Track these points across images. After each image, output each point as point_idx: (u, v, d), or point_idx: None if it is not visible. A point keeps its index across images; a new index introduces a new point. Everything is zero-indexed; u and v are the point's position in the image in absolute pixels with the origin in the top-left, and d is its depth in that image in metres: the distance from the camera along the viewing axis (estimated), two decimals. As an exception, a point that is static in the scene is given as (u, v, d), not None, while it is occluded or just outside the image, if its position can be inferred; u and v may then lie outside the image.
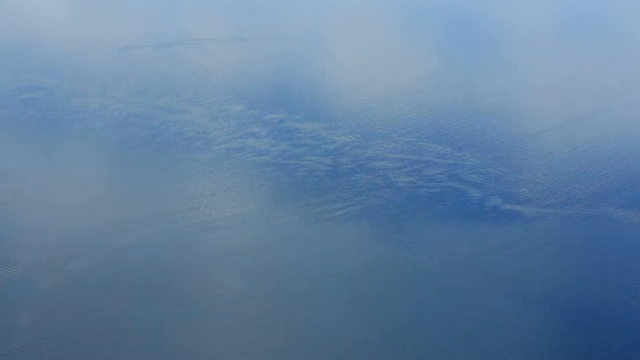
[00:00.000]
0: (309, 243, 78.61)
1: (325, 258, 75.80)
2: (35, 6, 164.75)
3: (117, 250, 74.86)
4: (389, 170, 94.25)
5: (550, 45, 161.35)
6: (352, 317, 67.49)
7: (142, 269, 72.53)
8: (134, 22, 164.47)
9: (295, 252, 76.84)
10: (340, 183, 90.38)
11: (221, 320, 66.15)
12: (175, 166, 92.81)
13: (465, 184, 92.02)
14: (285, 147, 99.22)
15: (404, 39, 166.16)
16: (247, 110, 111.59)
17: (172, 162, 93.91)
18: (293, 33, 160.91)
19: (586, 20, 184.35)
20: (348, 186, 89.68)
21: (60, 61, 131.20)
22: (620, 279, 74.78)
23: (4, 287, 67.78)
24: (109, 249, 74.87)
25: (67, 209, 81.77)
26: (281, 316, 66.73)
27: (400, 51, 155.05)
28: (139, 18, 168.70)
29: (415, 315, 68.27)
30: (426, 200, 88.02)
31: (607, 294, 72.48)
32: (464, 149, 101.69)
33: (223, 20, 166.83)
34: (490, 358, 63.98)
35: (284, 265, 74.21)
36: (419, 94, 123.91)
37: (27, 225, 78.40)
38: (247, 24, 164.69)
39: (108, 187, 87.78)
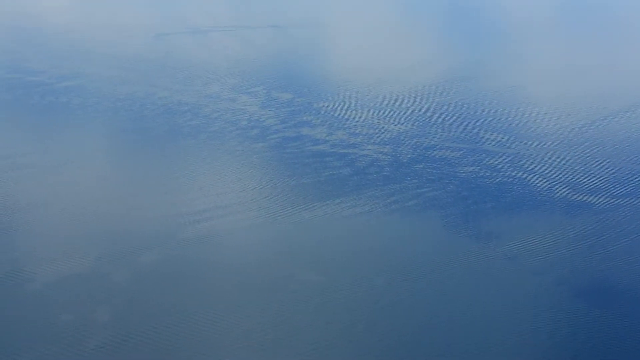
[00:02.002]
0: (379, 235, 76.36)
1: (398, 250, 73.69)
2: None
3: (184, 243, 72.79)
4: (451, 160, 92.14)
5: (589, 34, 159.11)
6: (429, 313, 65.42)
7: (212, 261, 70.42)
8: (165, 8, 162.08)
9: (366, 244, 74.61)
10: (403, 173, 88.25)
11: (300, 315, 64.02)
12: (232, 156, 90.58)
13: (529, 173, 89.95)
14: (342, 135, 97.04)
15: (437, 27, 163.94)
16: (296, 98, 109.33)
17: (228, 152, 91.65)
18: (328, 20, 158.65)
19: (622, 7, 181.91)
20: (412, 176, 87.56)
21: (96, 48, 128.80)
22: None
23: (79, 279, 65.68)
24: (177, 241, 72.78)
25: (126, 201, 79.60)
26: (360, 310, 64.62)
27: (436, 39, 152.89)
28: (169, 4, 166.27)
29: (492, 314, 65.80)
30: (492, 190, 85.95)
31: (692, 288, 70.52)
32: (521, 138, 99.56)
33: (256, 7, 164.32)
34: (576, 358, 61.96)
35: (359, 258, 72.03)
36: (465, 82, 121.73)
37: (89, 217, 76.21)
38: (281, 9, 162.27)
39: (165, 178, 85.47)
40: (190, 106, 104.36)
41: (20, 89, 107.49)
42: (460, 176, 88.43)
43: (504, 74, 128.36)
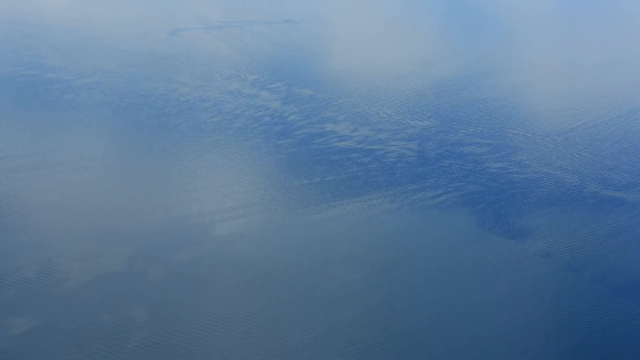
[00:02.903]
0: (414, 232, 75.47)
1: (431, 248, 72.76)
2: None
3: (217, 241, 71.75)
4: (478, 156, 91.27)
5: (609, 28, 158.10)
6: (467, 311, 64.43)
7: (243, 259, 69.39)
8: (175, 4, 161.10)
9: (400, 241, 73.74)
10: (432, 169, 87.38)
11: (338, 313, 63.09)
12: (259, 152, 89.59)
13: (559, 169, 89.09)
14: (366, 132, 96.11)
15: (452, 23, 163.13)
16: (317, 94, 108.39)
17: (254, 148, 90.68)
18: (341, 15, 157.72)
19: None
20: (441, 172, 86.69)
21: (112, 44, 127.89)
22: None
23: (116, 278, 64.70)
24: (209, 239, 71.75)
25: (154, 199, 78.58)
26: (398, 309, 63.67)
27: (451, 35, 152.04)
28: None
29: (530, 311, 64.64)
30: (522, 186, 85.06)
31: None
32: (547, 133, 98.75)
33: (266, 2, 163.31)
34: None
35: (393, 255, 71.01)
36: (485, 77, 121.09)
37: (118, 214, 75.24)
38: (293, 4, 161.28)
39: (193, 175, 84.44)
40: (212, 102, 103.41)
41: (39, 86, 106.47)
42: (489, 172, 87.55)
43: (523, 69, 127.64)
